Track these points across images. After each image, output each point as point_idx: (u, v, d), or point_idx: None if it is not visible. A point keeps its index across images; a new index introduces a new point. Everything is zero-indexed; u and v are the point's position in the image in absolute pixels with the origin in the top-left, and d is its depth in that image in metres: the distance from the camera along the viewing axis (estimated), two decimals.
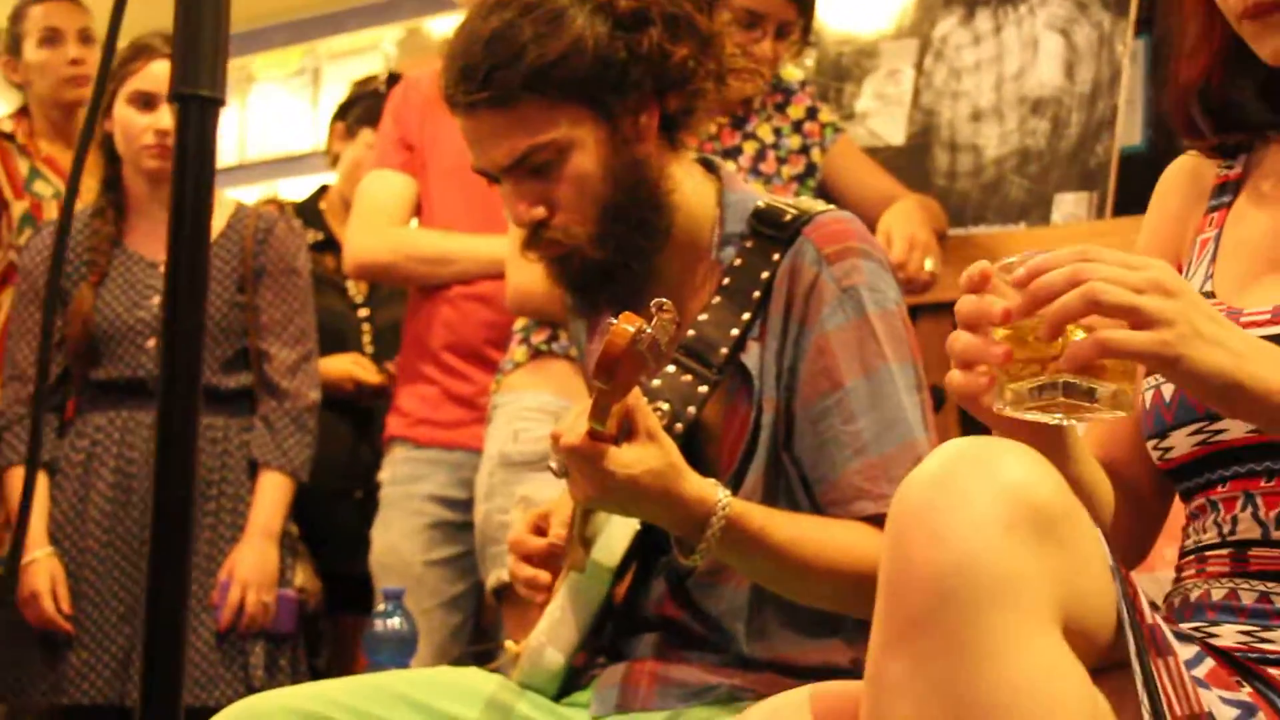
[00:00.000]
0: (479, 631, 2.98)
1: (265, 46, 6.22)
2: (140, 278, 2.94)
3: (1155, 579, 1.66)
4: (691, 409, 1.68)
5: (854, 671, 1.65)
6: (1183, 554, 1.40)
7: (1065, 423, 1.20)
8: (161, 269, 2.90)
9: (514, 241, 2.30)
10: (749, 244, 1.73)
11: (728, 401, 1.70)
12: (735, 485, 1.66)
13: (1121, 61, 3.13)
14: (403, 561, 2.88)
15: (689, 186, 1.77)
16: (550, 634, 1.74)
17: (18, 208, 3.49)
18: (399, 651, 2.21)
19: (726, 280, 1.72)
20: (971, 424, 1.27)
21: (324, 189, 3.94)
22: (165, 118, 2.87)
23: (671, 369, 1.69)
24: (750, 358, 1.69)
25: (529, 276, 2.31)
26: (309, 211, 3.79)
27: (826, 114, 2.96)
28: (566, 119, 1.69)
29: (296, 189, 5.12)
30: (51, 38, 3.56)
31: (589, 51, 1.68)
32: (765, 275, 1.71)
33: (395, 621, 2.22)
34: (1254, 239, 1.42)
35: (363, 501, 3.21)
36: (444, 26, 5.50)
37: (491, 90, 1.67)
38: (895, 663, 1.05)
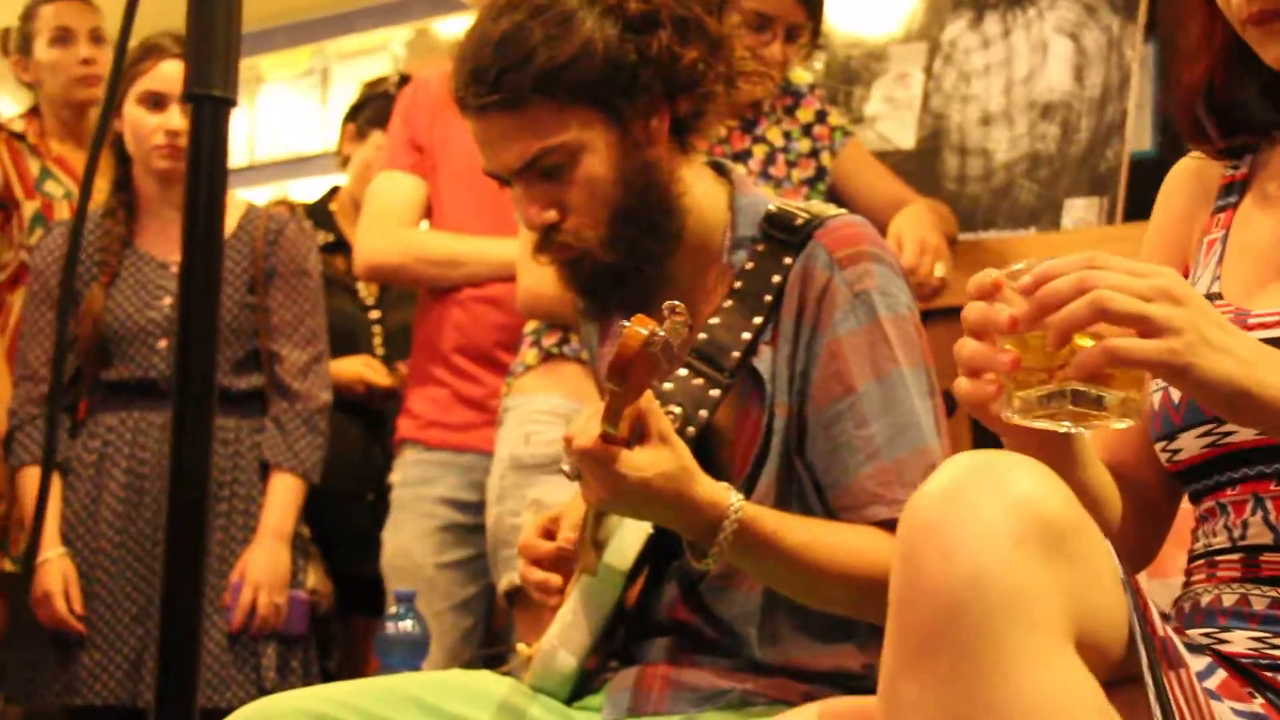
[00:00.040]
0: (491, 634, 2.97)
1: (274, 47, 6.21)
2: (151, 278, 2.93)
3: (1167, 585, 1.65)
4: (704, 412, 1.68)
5: (866, 676, 1.65)
6: (1192, 557, 1.39)
7: (1073, 430, 1.19)
8: (172, 269, 2.91)
9: (525, 244, 2.29)
10: (761, 248, 1.73)
11: (740, 405, 1.70)
12: (748, 490, 1.65)
13: (1131, 66, 3.12)
14: (414, 564, 2.87)
15: (700, 190, 1.77)
16: (562, 637, 1.73)
17: (29, 208, 3.48)
18: (411, 654, 2.21)
19: (738, 284, 1.72)
20: (984, 430, 1.27)
21: (334, 190, 3.92)
22: (175, 118, 2.87)
23: (683, 372, 1.69)
24: (762, 362, 1.69)
25: (540, 279, 2.30)
26: (319, 213, 3.77)
27: (836, 117, 2.94)
28: (577, 122, 1.69)
29: (306, 190, 5.11)
30: (63, 37, 3.55)
31: (599, 54, 1.68)
32: (777, 279, 1.70)
33: (407, 624, 2.23)
34: (1261, 240, 1.42)
35: (374, 503, 3.20)
36: (453, 28, 5.50)
37: (502, 93, 1.67)
38: (908, 683, 1.04)
